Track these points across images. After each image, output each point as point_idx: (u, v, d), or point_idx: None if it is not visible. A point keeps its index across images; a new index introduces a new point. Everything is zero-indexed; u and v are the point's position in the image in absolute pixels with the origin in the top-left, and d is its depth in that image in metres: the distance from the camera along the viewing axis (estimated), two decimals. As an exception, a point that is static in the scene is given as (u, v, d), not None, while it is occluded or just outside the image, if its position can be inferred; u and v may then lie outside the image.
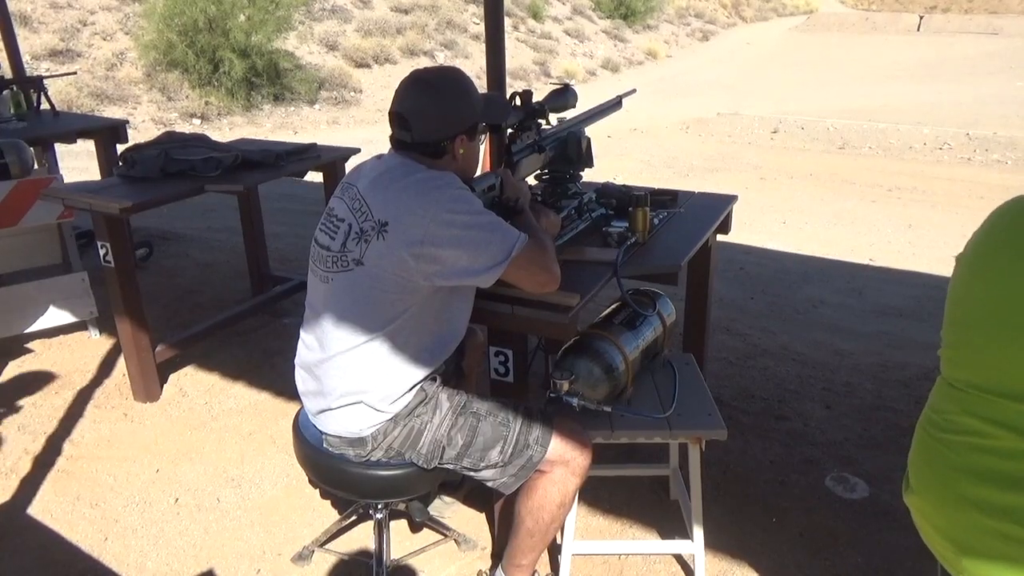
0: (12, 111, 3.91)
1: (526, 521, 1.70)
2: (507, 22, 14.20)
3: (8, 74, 4.40)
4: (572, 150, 2.11)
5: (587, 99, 2.35)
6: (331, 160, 3.23)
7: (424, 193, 1.51)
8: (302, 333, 1.73)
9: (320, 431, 1.69)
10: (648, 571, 2.04)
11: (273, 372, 3.07)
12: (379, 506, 1.88)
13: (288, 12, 11.15)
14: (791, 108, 11.67)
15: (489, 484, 1.68)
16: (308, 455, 1.74)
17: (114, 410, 2.84)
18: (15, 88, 4.01)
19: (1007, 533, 0.99)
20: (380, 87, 12.18)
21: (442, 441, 1.63)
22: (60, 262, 3.43)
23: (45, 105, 4.14)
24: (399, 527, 2.20)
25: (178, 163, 2.81)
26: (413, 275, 1.51)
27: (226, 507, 2.32)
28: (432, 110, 1.58)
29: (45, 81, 4.19)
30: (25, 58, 6.26)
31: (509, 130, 1.94)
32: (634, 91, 2.50)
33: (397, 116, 1.59)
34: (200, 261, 4.41)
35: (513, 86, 2.95)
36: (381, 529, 1.90)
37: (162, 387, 2.96)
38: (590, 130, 2.21)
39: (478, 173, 1.77)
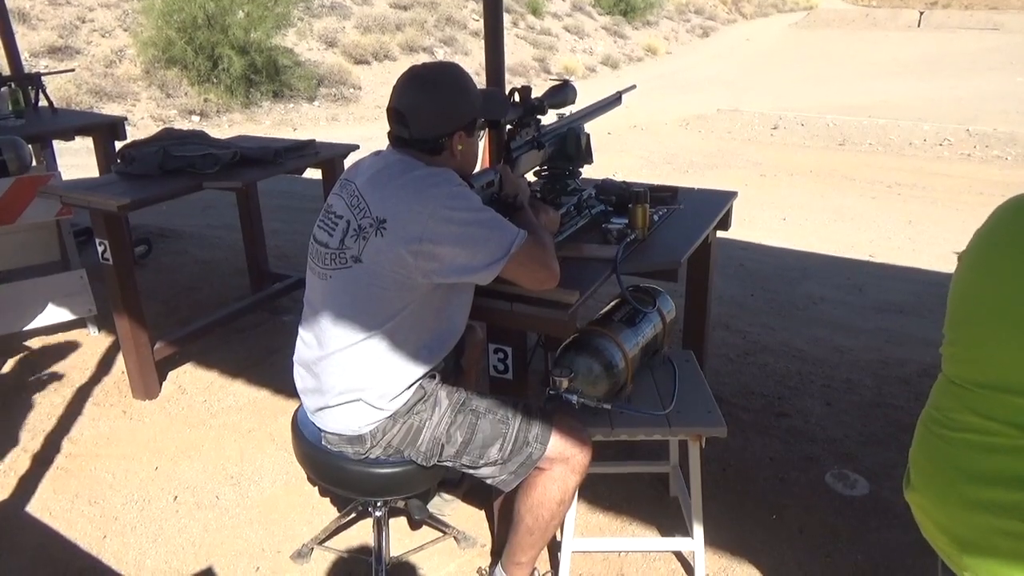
0: (10, 108, 3.90)
1: (525, 518, 1.70)
2: (506, 18, 14.19)
3: (6, 71, 4.40)
4: (571, 146, 2.10)
5: (587, 95, 2.34)
6: (330, 157, 3.22)
7: (422, 190, 1.51)
8: (300, 330, 1.72)
9: (319, 429, 1.68)
10: (648, 568, 2.03)
11: (272, 369, 3.07)
12: (378, 504, 1.88)
13: (287, 8, 11.14)
14: (791, 104, 11.66)
15: (488, 481, 1.68)
16: (307, 453, 1.73)
17: (113, 407, 2.83)
18: (13, 85, 4.00)
19: (1008, 530, 0.99)
20: (379, 84, 12.16)
21: (441, 439, 1.63)
22: (58, 259, 3.43)
23: (43, 102, 4.13)
24: (398, 524, 2.20)
25: (177, 160, 2.80)
26: (412, 272, 1.50)
27: (225, 505, 2.32)
28: (430, 106, 1.57)
29: (43, 78, 4.18)
30: (23, 55, 6.24)
31: (508, 126, 1.93)
32: (634, 87, 2.49)
33: (395, 112, 1.59)
34: (199, 258, 4.41)
35: (513, 82, 2.94)
36: (380, 527, 1.90)
37: (161, 384, 2.95)
38: (590, 126, 2.20)
39: (477, 169, 1.76)
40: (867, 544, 2.10)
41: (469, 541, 2.11)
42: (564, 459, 1.65)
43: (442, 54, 13.99)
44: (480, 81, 2.88)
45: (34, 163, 3.43)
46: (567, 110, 2.13)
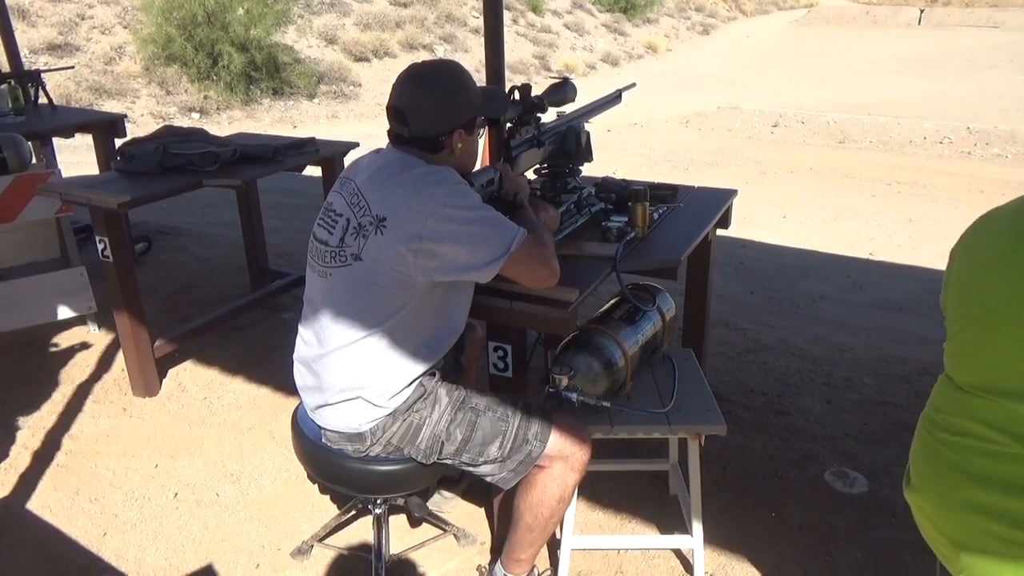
0: (10, 105, 3.90)
1: (525, 516, 1.70)
2: (507, 16, 14.16)
3: (6, 68, 4.39)
4: (571, 144, 2.10)
5: (587, 93, 2.34)
6: (330, 154, 3.22)
7: (422, 188, 1.51)
8: (300, 328, 1.72)
9: (319, 426, 1.68)
10: (647, 566, 2.04)
11: (272, 367, 3.07)
12: (378, 501, 1.88)
13: (287, 6, 11.13)
14: (791, 102, 11.65)
15: (488, 479, 1.68)
16: (307, 450, 1.73)
17: (113, 405, 2.84)
18: (13, 82, 3.99)
19: (1005, 536, 0.99)
20: (379, 81, 12.15)
21: (441, 436, 1.63)
22: (58, 257, 3.43)
23: (43, 99, 4.13)
24: (398, 522, 2.20)
25: (176, 157, 2.80)
26: (411, 270, 1.50)
27: (225, 502, 2.32)
28: (429, 105, 1.57)
29: (43, 75, 4.18)
30: (23, 52, 6.24)
31: (508, 124, 1.93)
32: (634, 85, 2.49)
33: (395, 111, 1.58)
34: (199, 256, 4.41)
35: (513, 80, 2.94)
36: (380, 524, 1.90)
37: (161, 382, 2.95)
38: (590, 124, 2.20)
39: (477, 167, 1.76)
40: (866, 542, 2.10)
41: (469, 539, 2.11)
42: (564, 457, 1.65)
43: (442, 51, 13.97)
44: (480, 79, 2.88)
45: (34, 160, 3.43)
46: (567, 108, 2.13)
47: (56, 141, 4.23)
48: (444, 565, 2.05)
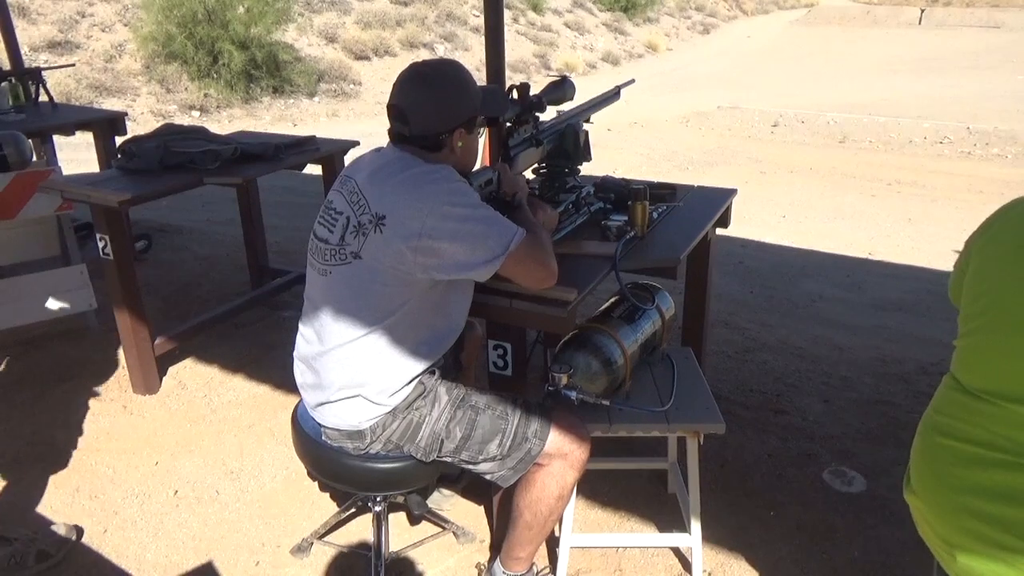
0: (10, 103, 3.90)
1: (524, 514, 1.71)
2: (507, 14, 14.14)
3: (6, 66, 4.39)
4: (570, 144, 2.11)
5: (587, 92, 2.34)
6: (330, 153, 3.22)
7: (421, 187, 1.51)
8: (300, 326, 1.73)
9: (319, 424, 1.69)
10: (646, 564, 2.04)
11: (272, 365, 3.07)
12: (378, 499, 1.89)
13: (287, 4, 11.12)
14: (791, 102, 11.65)
15: (488, 477, 1.68)
16: (307, 448, 1.74)
17: (113, 402, 2.84)
18: (13, 80, 4.00)
19: (1001, 542, 0.99)
20: (379, 80, 12.15)
21: (440, 434, 1.64)
22: (59, 254, 3.43)
23: (44, 97, 4.13)
24: (398, 520, 2.21)
25: (177, 155, 2.80)
26: (411, 268, 1.51)
27: (225, 499, 2.33)
28: (430, 104, 1.57)
29: (44, 73, 4.18)
30: (23, 50, 6.23)
31: (507, 124, 1.93)
32: (633, 81, 2.49)
33: (395, 109, 1.59)
34: (199, 254, 4.41)
35: (513, 79, 2.95)
36: (380, 522, 1.91)
37: (161, 380, 2.96)
38: (589, 124, 2.21)
39: (477, 166, 1.76)
40: (864, 540, 2.11)
41: (468, 536, 2.12)
42: (563, 455, 1.65)
43: (442, 50, 13.97)
44: (480, 77, 2.88)
45: (34, 158, 3.43)
46: (566, 106, 2.13)
47: (57, 139, 4.23)
48: (443, 563, 2.06)
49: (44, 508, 2.29)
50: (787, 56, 18.86)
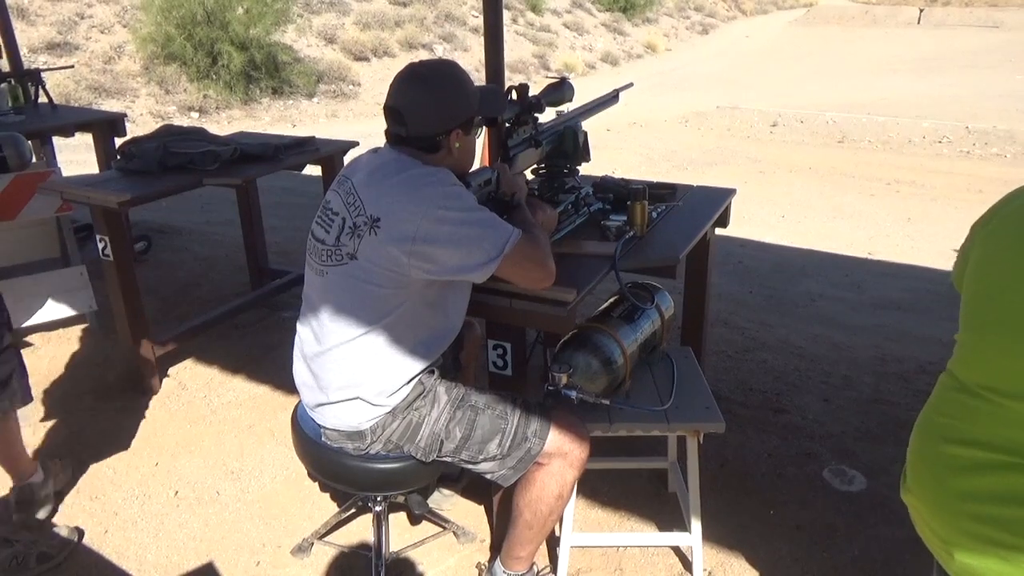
0: (10, 104, 3.90)
1: (524, 513, 1.71)
2: (506, 15, 14.16)
3: (6, 67, 4.39)
4: (568, 144, 2.11)
5: (586, 92, 2.35)
6: (329, 153, 3.22)
7: (416, 189, 1.51)
8: (299, 326, 1.73)
9: (318, 424, 1.69)
10: (646, 563, 2.04)
11: (272, 365, 3.08)
12: (378, 499, 1.89)
13: (286, 5, 11.12)
14: (790, 102, 11.66)
15: (488, 477, 1.69)
16: (307, 448, 1.74)
17: (113, 403, 2.84)
18: (13, 81, 3.99)
19: (1004, 542, 0.99)
20: (379, 80, 12.15)
21: (440, 434, 1.64)
22: (58, 256, 3.43)
23: (43, 98, 4.13)
24: (398, 519, 2.21)
25: (176, 156, 2.80)
26: (406, 270, 1.51)
27: (226, 500, 2.33)
28: (426, 105, 1.57)
29: (43, 74, 4.18)
30: (23, 51, 6.23)
31: (506, 124, 1.93)
32: (631, 85, 2.50)
33: (392, 111, 1.59)
34: (199, 255, 4.41)
35: (512, 79, 2.95)
36: (380, 522, 1.91)
37: (161, 381, 2.96)
38: (588, 124, 2.21)
39: (477, 166, 1.77)
40: (864, 539, 2.11)
41: (468, 536, 2.12)
42: (563, 454, 1.66)
43: (441, 51, 13.97)
44: (480, 78, 2.89)
45: (34, 159, 3.43)
46: (565, 107, 2.13)
47: (56, 140, 4.23)
48: (444, 562, 2.06)
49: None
50: (786, 56, 18.87)
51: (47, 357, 3.17)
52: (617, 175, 2.43)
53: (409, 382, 1.62)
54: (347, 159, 2.45)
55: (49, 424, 2.71)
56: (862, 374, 3.06)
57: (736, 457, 2.47)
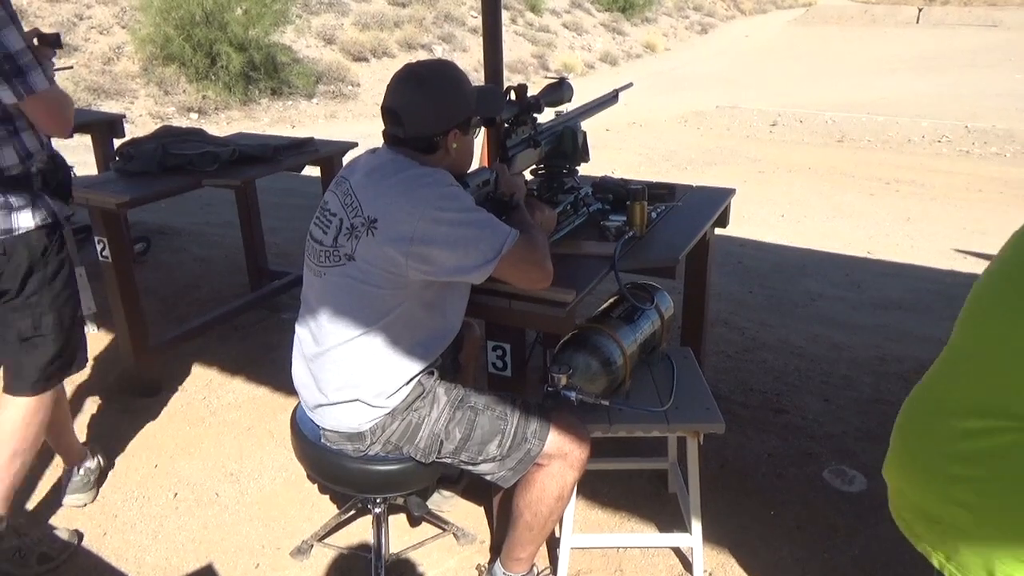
0: (8, 106, 3.89)
1: (524, 514, 1.71)
2: (505, 15, 14.15)
3: (4, 69, 4.38)
4: (567, 145, 2.11)
5: (586, 92, 2.34)
6: (328, 154, 3.22)
7: (413, 190, 1.51)
8: (297, 327, 1.73)
9: (318, 426, 1.69)
10: (646, 564, 2.04)
11: (272, 367, 3.07)
12: (377, 500, 1.89)
13: (285, 5, 11.12)
14: (790, 101, 11.67)
15: (487, 478, 1.68)
16: (306, 450, 1.74)
17: (112, 405, 2.84)
18: (11, 83, 3.98)
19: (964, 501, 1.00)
20: (378, 81, 12.15)
21: (440, 435, 1.63)
22: (58, 257, 3.42)
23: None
24: (398, 521, 2.21)
25: (175, 158, 2.80)
26: (404, 271, 1.51)
27: (225, 502, 2.32)
28: (424, 105, 1.57)
29: (41, 75, 4.17)
30: (21, 52, 6.21)
31: (505, 125, 1.93)
32: (631, 85, 2.50)
33: (389, 111, 1.58)
34: (198, 256, 4.41)
35: (511, 79, 2.95)
36: (380, 523, 1.91)
37: (160, 382, 2.95)
38: (588, 124, 2.21)
39: (476, 167, 1.76)
40: (864, 539, 2.10)
41: (468, 537, 2.11)
42: (562, 455, 1.65)
43: (440, 51, 13.97)
44: (479, 78, 2.88)
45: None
46: (564, 108, 2.13)
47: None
48: (444, 564, 2.06)
49: (44, 510, 2.28)
50: (785, 55, 18.88)
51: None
52: (616, 175, 2.42)
53: (408, 383, 1.62)
54: (346, 160, 2.45)
55: (48, 426, 2.69)
56: (862, 374, 3.06)
57: (736, 457, 2.47)
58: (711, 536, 2.06)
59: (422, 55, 13.45)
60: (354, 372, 1.59)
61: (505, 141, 1.91)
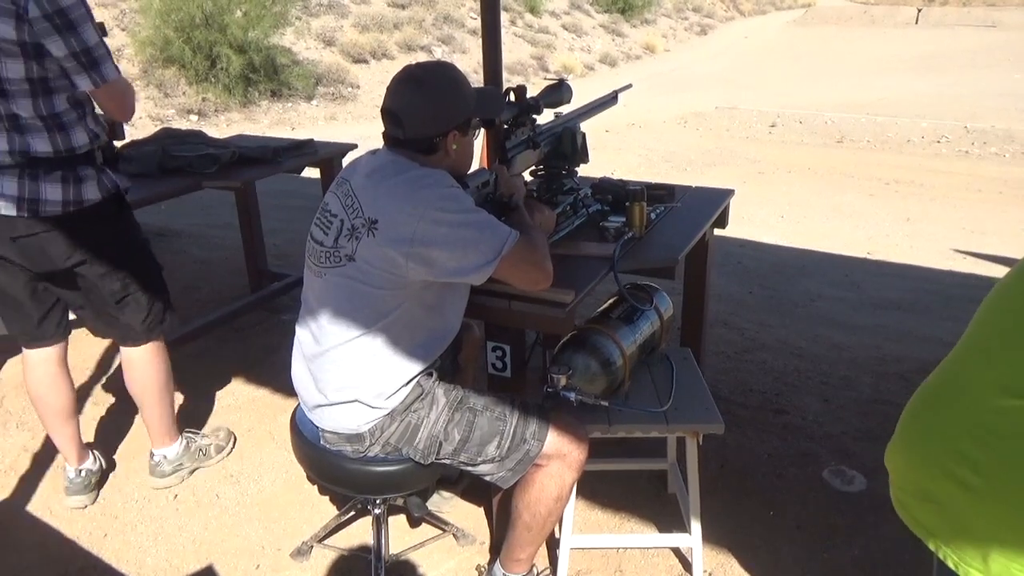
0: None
1: (523, 515, 1.71)
2: (504, 16, 14.17)
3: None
4: (567, 146, 2.11)
5: (585, 94, 2.35)
6: (328, 156, 3.23)
7: (413, 192, 1.51)
8: (298, 328, 1.73)
9: (317, 427, 1.69)
10: (646, 564, 2.04)
11: (271, 369, 3.07)
12: (377, 501, 1.89)
13: (285, 7, 11.13)
14: (789, 102, 11.68)
15: (487, 479, 1.69)
16: (306, 451, 1.74)
17: (112, 406, 2.84)
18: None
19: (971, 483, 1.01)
20: (377, 83, 12.15)
21: (439, 436, 1.64)
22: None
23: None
24: (398, 522, 2.21)
25: (175, 160, 2.80)
26: (404, 272, 1.51)
27: (225, 503, 2.33)
28: (423, 107, 1.57)
29: (41, 78, 4.17)
30: (21, 55, 6.21)
31: (504, 126, 1.93)
32: (630, 86, 2.50)
33: (389, 113, 1.59)
34: (198, 258, 4.41)
35: (511, 81, 2.95)
36: (379, 524, 1.91)
37: (160, 384, 2.95)
38: (587, 125, 2.21)
39: (476, 167, 1.77)
40: (865, 539, 2.11)
41: (468, 538, 2.11)
42: (561, 456, 1.65)
43: (440, 53, 13.98)
44: (478, 80, 2.89)
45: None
46: (563, 109, 2.13)
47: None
48: (443, 565, 2.06)
49: (44, 513, 2.29)
50: (785, 56, 18.89)
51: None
52: (616, 176, 2.43)
53: (407, 384, 1.62)
54: (346, 161, 2.45)
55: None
56: (862, 374, 3.06)
57: (736, 458, 2.47)
58: (711, 536, 2.06)
59: (421, 57, 13.45)
60: (354, 373, 1.59)
61: (504, 142, 1.91)
